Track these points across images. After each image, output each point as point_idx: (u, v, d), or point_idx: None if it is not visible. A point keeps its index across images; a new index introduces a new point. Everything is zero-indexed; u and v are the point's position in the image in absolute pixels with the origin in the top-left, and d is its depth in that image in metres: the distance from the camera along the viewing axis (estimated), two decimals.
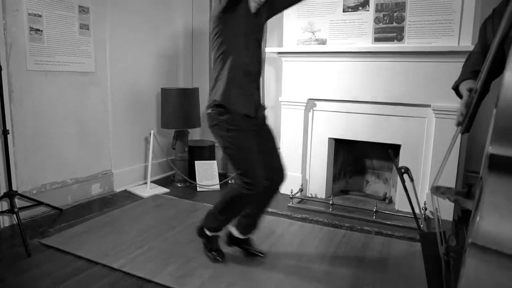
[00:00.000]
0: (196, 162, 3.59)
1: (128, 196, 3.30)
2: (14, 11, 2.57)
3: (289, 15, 3.26)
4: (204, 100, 3.99)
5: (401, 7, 2.87)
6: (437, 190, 1.24)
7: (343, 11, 3.06)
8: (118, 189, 3.42)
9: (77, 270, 2.08)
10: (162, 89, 3.49)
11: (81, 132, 3.09)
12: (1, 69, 2.40)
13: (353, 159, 3.50)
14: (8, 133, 2.49)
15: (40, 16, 2.71)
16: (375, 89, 2.98)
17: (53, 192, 2.91)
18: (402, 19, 2.88)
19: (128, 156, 3.52)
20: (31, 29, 2.67)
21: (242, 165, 1.96)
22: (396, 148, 3.08)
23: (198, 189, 3.51)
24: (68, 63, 2.93)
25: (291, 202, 3.09)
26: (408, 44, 2.87)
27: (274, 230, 2.64)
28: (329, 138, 3.24)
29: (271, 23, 3.62)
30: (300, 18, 3.23)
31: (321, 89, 3.17)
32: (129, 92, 3.47)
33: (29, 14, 2.65)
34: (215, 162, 3.64)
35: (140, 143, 3.62)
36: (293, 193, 3.12)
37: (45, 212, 2.83)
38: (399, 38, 2.90)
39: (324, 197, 3.31)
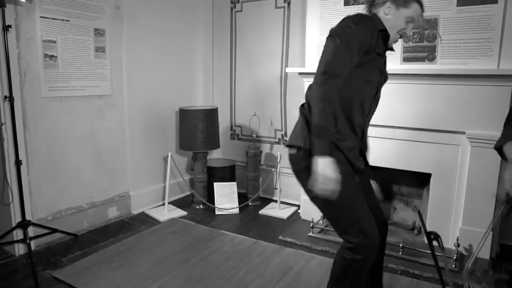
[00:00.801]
0: (215, 184, 3.48)
1: (145, 219, 3.24)
2: (29, 38, 2.54)
3: (312, 29, 3.08)
4: (221, 124, 3.89)
5: (433, 24, 2.63)
6: (471, 276, 1.05)
7: None
8: (135, 211, 3.37)
9: None
10: (180, 109, 3.41)
11: (97, 155, 3.05)
12: (13, 99, 2.38)
13: (381, 185, 3.28)
14: (21, 164, 2.46)
15: (54, 42, 2.68)
16: (404, 113, 2.75)
17: (69, 217, 2.88)
18: (434, 37, 2.64)
19: (146, 178, 3.46)
20: (46, 55, 2.64)
21: (349, 218, 1.53)
22: (426, 177, 2.85)
23: (217, 212, 3.40)
24: (83, 88, 2.89)
25: (311, 232, 2.93)
26: (440, 65, 2.64)
27: (292, 265, 2.48)
28: None
29: (292, 38, 3.49)
30: (323, 34, 3.05)
31: None
32: (146, 113, 3.40)
33: (44, 40, 2.62)
34: (234, 184, 3.52)
35: (158, 164, 3.55)
36: (314, 221, 2.95)
37: (61, 238, 2.81)
38: (431, 58, 2.67)
39: None
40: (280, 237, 2.91)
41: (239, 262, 2.52)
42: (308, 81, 3.11)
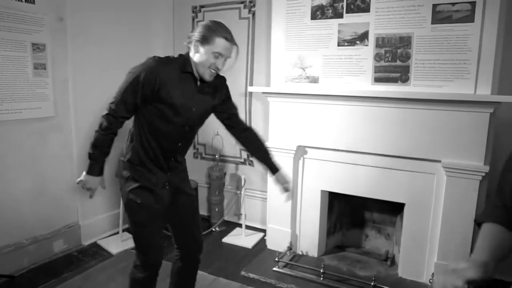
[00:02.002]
0: None
1: (96, 252, 2.94)
2: None
3: (277, 44, 2.83)
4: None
5: (406, 42, 2.41)
6: None
7: (338, 45, 2.62)
8: (86, 242, 3.06)
9: None
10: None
11: (40, 184, 2.73)
12: None
13: (351, 210, 3.07)
14: None
15: None
16: (376, 138, 2.53)
17: (5, 256, 2.56)
18: (407, 56, 2.42)
19: (99, 204, 3.15)
20: None
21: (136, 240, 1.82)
22: (399, 207, 2.64)
23: None
24: (20, 110, 2.56)
25: (277, 266, 2.69)
26: (414, 86, 2.42)
27: None
28: (322, 191, 2.81)
29: (257, 55, 3.22)
30: (289, 51, 2.80)
31: (312, 135, 2.74)
32: None
33: None
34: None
35: (112, 188, 3.24)
36: (279, 253, 2.72)
37: None
38: (404, 79, 2.45)
39: (316, 254, 2.89)
40: (243, 273, 2.66)
41: None
42: (274, 101, 2.87)
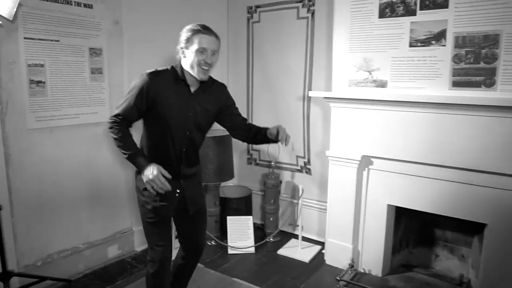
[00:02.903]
0: (228, 218, 3.09)
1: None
2: (11, 63, 2.21)
3: (339, 45, 2.62)
4: (238, 148, 3.50)
5: (493, 41, 2.12)
6: None
7: (410, 46, 2.36)
8: (139, 247, 3.02)
9: None
10: None
11: (94, 190, 2.71)
12: None
13: (419, 226, 2.79)
14: (0, 209, 2.14)
15: (42, 65, 2.35)
16: (453, 149, 2.26)
17: (62, 261, 2.56)
18: (493, 57, 2.13)
19: None
20: (32, 81, 2.31)
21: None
22: (478, 227, 2.35)
23: (230, 251, 3.01)
24: (77, 115, 2.55)
25: (338, 285, 2.48)
26: (502, 91, 2.12)
27: None
28: (389, 205, 2.57)
29: (317, 57, 3.03)
30: (353, 53, 2.58)
31: (379, 144, 2.50)
32: None
33: (29, 65, 2.29)
34: (250, 218, 3.12)
35: None
36: (340, 273, 2.51)
37: (53, 284, 2.49)
38: (489, 83, 2.15)
39: (380, 274, 2.65)
40: None
41: None
42: (336, 107, 2.66)
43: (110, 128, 1.76)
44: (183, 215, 1.94)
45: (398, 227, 2.71)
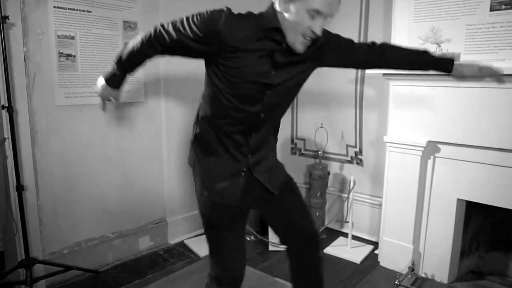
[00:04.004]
0: None
1: (183, 253, 2.65)
2: (39, 34, 2.05)
3: (401, 16, 2.28)
4: (280, 136, 3.18)
5: None
6: None
7: (491, 10, 1.98)
8: (173, 240, 2.80)
9: None
10: None
11: (127, 176, 2.52)
12: (12, 110, 1.89)
13: (493, 227, 2.39)
14: (24, 190, 1.98)
15: (72, 38, 2.17)
16: None
17: (90, 250, 2.38)
18: None
19: (187, 202, 2.87)
20: (61, 54, 2.14)
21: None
22: None
23: (271, 247, 2.72)
24: None
25: None
26: None
27: None
28: (459, 200, 2.19)
29: (372, 28, 2.69)
30: (418, 22, 2.22)
31: (449, 127, 2.13)
32: (188, 126, 2.80)
33: (59, 36, 2.12)
34: None
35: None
36: (400, 277, 2.16)
37: (79, 275, 2.31)
38: None
39: (446, 280, 2.27)
40: None
41: None
42: (397, 85, 2.32)
43: (142, 40, 1.30)
44: (269, 203, 1.46)
45: (468, 227, 2.32)
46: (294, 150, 3.26)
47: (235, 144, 1.33)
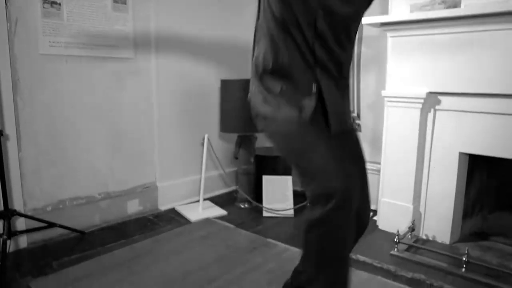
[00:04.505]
0: (264, 177, 2.70)
1: (173, 218, 2.55)
2: None
3: None
4: None
5: None
6: None
7: None
8: (163, 207, 2.70)
9: None
10: (222, 81, 2.67)
11: (115, 136, 2.42)
12: None
13: (497, 186, 2.28)
14: (2, 135, 1.88)
15: None
16: None
17: (75, 210, 2.28)
18: None
19: (179, 167, 2.78)
20: (45, 1, 2.05)
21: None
22: None
23: (265, 213, 2.62)
24: (97, 47, 2.27)
25: (395, 249, 2.03)
26: None
27: None
28: (461, 154, 2.08)
29: None
30: None
31: (449, 77, 2.03)
32: (180, 86, 2.72)
33: None
34: (289, 178, 2.71)
35: (194, 150, 2.85)
36: (399, 235, 2.05)
37: (63, 234, 2.21)
38: None
39: (448, 241, 2.16)
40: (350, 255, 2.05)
41: None
42: (394, 36, 2.22)
43: None
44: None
45: (471, 187, 2.21)
46: None
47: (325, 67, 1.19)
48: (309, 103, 1.17)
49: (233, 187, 3.11)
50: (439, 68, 2.06)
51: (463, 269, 1.81)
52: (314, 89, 1.18)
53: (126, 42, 2.39)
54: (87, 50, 2.23)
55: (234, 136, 2.82)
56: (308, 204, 1.13)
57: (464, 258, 1.82)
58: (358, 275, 1.82)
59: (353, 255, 2.02)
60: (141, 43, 2.47)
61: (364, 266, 1.93)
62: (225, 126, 2.66)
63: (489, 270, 1.82)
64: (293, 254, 2.05)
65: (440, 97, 2.10)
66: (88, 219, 2.33)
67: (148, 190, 2.62)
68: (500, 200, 2.27)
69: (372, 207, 2.60)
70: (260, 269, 1.89)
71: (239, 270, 1.88)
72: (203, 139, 2.67)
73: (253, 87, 1.29)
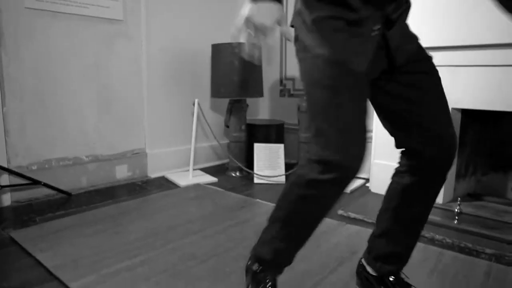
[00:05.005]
0: (255, 144, 2.66)
1: (163, 184, 2.51)
2: None
3: None
4: (268, 78, 3.08)
5: None
6: None
7: None
8: (153, 174, 2.65)
9: (24, 284, 1.31)
10: (213, 45, 2.64)
11: (104, 99, 2.38)
12: None
13: (491, 145, 2.24)
14: None
15: None
16: None
17: (62, 170, 2.24)
18: None
19: (169, 134, 2.74)
20: None
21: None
22: None
23: (256, 180, 2.58)
24: (86, 5, 2.23)
25: None
26: None
27: (356, 249, 1.58)
28: (453, 110, 2.05)
29: None
30: None
31: (440, 29, 2.01)
32: (171, 50, 2.68)
33: None
34: (281, 146, 2.67)
35: (185, 118, 2.81)
36: None
37: (49, 195, 2.17)
38: None
39: (442, 201, 2.12)
40: (341, 212, 2.01)
41: None
42: None
43: None
44: (389, 81, 1.02)
45: (464, 148, 2.18)
46: (283, 92, 3.13)
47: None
48: (366, 46, 0.93)
49: (225, 160, 3.07)
50: (429, 20, 2.02)
51: (456, 221, 1.78)
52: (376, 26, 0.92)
53: (116, 3, 2.36)
54: (75, 7, 2.19)
55: (225, 108, 2.77)
56: (307, 157, 0.98)
57: (456, 210, 1.78)
58: (349, 228, 1.79)
59: (343, 213, 1.99)
60: (131, 6, 2.43)
61: (355, 221, 1.90)
62: (216, 91, 2.62)
63: (482, 221, 1.78)
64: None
65: (431, 53, 2.06)
66: (75, 181, 2.29)
67: (137, 156, 2.57)
68: (495, 161, 2.24)
69: (364, 175, 2.59)
70: (248, 223, 1.85)
71: (227, 223, 1.84)
72: (193, 104, 2.62)
73: (299, 8, 1.00)
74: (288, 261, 1.11)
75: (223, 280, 1.32)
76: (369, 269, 1.18)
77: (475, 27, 1.89)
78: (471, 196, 2.21)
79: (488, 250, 1.56)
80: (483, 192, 2.22)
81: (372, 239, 1.18)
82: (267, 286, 1.09)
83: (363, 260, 1.21)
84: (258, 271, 1.11)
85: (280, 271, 1.12)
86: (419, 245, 1.57)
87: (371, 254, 1.17)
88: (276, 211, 1.10)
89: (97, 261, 1.44)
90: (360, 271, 1.22)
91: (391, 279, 1.14)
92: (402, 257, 1.14)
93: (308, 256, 1.49)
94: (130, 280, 1.31)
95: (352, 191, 2.39)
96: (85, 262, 1.43)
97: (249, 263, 1.15)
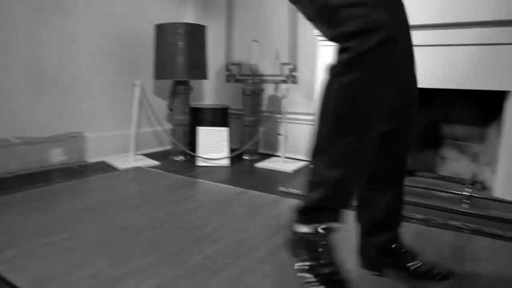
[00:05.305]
0: (199, 128, 2.62)
1: (102, 168, 2.40)
2: None
3: None
4: (214, 63, 3.05)
5: None
6: None
7: None
8: (92, 159, 2.53)
9: None
10: (157, 25, 2.57)
11: (37, 78, 2.24)
12: None
13: (425, 127, 2.36)
14: None
15: None
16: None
17: None
18: None
19: (109, 118, 2.63)
20: None
21: None
22: (496, 106, 1.92)
23: (200, 163, 2.54)
24: None
25: None
26: None
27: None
28: None
29: None
30: None
31: None
32: (113, 28, 2.58)
33: None
34: (226, 129, 2.65)
35: (127, 102, 2.71)
36: None
37: None
38: None
39: None
40: (282, 189, 2.02)
41: (214, 213, 1.65)
42: None
43: None
44: None
45: None
46: (229, 77, 3.11)
47: None
48: None
49: (170, 147, 3.00)
50: None
51: None
52: None
53: None
54: None
55: (168, 92, 2.71)
56: (335, 51, 0.83)
57: None
58: (287, 202, 1.80)
59: (284, 189, 2.00)
60: None
61: (296, 196, 1.91)
62: (160, 72, 2.55)
63: (414, 190, 1.87)
64: (224, 189, 2.00)
65: None
66: (2, 165, 2.13)
67: (74, 140, 2.44)
68: (428, 139, 2.35)
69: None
70: (189, 199, 1.81)
71: (166, 199, 1.79)
72: (133, 85, 2.53)
73: None
74: (347, 195, 0.91)
75: (156, 249, 1.27)
76: (368, 246, 1.13)
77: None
78: (407, 173, 2.31)
79: (418, 216, 1.64)
80: (416, 169, 2.33)
81: (357, 216, 1.15)
82: (321, 244, 0.92)
83: (360, 241, 1.16)
84: (308, 227, 0.92)
85: (336, 216, 0.91)
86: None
87: (363, 231, 1.14)
88: (319, 134, 0.88)
89: (21, 237, 1.34)
90: (363, 250, 1.16)
91: (393, 246, 1.10)
92: (388, 218, 1.10)
93: (244, 226, 1.49)
94: (56, 253, 1.23)
95: (296, 171, 2.42)
96: (6, 238, 1.33)
97: (292, 228, 0.98)
